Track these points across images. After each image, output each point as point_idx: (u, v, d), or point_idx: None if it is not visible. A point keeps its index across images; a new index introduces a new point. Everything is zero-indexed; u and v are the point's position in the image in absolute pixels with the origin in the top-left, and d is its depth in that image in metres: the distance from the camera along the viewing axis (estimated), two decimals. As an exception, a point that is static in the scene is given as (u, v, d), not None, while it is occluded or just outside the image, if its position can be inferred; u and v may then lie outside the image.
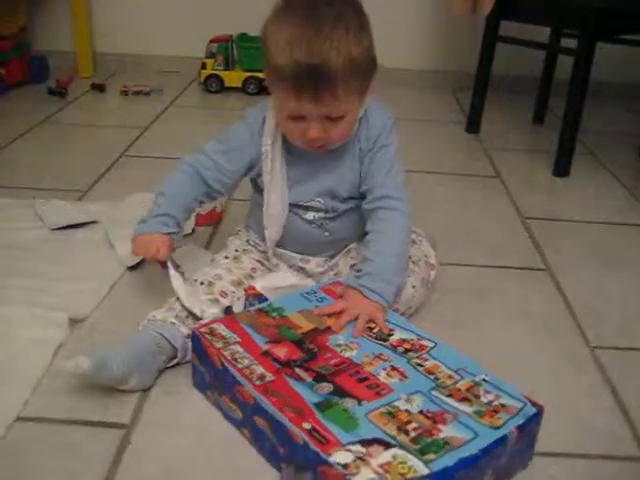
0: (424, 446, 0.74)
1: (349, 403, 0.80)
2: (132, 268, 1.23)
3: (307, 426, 0.76)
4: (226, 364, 0.86)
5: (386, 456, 0.72)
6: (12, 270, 1.20)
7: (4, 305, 1.09)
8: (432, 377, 0.86)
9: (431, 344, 0.92)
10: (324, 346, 0.91)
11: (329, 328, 0.94)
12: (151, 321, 0.98)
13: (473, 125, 2.14)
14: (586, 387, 1.01)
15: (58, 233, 1.34)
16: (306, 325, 0.95)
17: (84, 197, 1.54)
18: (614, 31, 1.84)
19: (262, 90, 2.35)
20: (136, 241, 1.06)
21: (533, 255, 1.39)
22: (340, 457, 0.72)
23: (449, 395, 0.82)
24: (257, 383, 0.83)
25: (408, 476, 0.70)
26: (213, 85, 2.41)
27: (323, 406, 0.80)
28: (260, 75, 2.33)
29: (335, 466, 0.71)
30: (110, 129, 2.02)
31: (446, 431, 0.76)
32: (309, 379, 0.84)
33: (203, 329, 0.93)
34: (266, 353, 0.88)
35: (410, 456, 0.73)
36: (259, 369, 0.85)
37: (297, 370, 0.86)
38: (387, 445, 0.74)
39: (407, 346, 0.92)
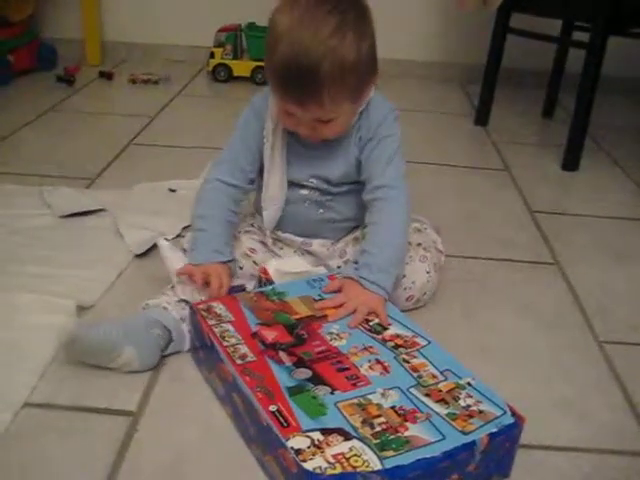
0: (385, 442, 0.72)
1: (321, 391, 0.80)
2: (140, 256, 1.23)
3: (273, 408, 0.76)
4: (213, 340, 0.88)
5: (343, 447, 0.71)
6: (19, 257, 1.20)
7: (12, 291, 1.09)
8: (416, 375, 0.83)
9: (424, 342, 0.90)
10: (315, 333, 0.90)
11: (325, 316, 0.94)
12: (144, 308, 1.00)
13: (482, 118, 2.13)
14: (594, 382, 1.00)
15: (66, 221, 1.34)
16: (303, 311, 0.95)
17: (92, 185, 1.53)
18: (627, 24, 1.82)
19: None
20: (194, 272, 0.99)
21: (542, 249, 1.39)
22: (297, 442, 0.71)
23: (427, 395, 0.80)
24: (238, 362, 0.84)
25: (359, 469, 0.69)
26: (221, 74, 2.40)
27: (294, 391, 0.79)
28: (269, 65, 2.32)
29: (289, 450, 0.71)
30: (118, 117, 2.02)
31: (412, 430, 0.74)
32: (289, 363, 0.84)
33: (201, 305, 0.95)
34: (255, 334, 0.89)
35: (367, 450, 0.71)
36: (243, 349, 0.86)
37: (281, 353, 0.86)
38: (347, 436, 0.73)
39: (399, 341, 0.90)
